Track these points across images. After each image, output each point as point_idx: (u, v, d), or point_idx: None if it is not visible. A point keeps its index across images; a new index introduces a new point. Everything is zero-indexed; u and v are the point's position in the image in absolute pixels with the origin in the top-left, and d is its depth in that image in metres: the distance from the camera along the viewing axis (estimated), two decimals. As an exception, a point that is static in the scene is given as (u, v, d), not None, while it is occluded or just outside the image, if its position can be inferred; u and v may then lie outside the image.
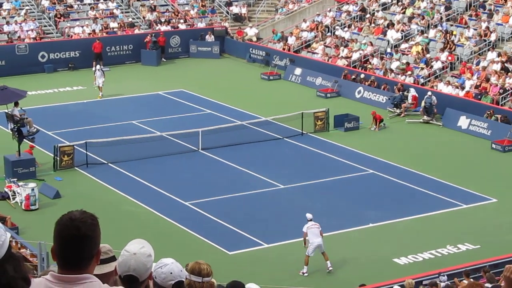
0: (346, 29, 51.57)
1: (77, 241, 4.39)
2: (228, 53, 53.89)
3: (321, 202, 30.54)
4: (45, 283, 4.43)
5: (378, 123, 39.11)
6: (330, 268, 25.31)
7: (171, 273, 5.74)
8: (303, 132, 38.07)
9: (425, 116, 40.24)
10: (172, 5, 56.47)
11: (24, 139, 32.86)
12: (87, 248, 4.43)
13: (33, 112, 37.43)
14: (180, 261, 5.97)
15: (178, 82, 47.09)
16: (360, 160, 34.90)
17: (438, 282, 21.99)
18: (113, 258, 5.24)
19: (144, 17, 55.17)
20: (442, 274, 22.98)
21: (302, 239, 25.39)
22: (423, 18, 48.90)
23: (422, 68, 44.74)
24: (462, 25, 47.55)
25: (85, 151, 33.82)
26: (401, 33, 48.55)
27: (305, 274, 25.09)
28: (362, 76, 44.96)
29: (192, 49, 53.31)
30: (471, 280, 21.65)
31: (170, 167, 33.97)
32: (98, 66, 44.91)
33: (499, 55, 43.45)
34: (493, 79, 41.66)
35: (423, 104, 40.32)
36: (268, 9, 58.19)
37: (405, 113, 41.12)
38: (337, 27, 51.95)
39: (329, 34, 51.87)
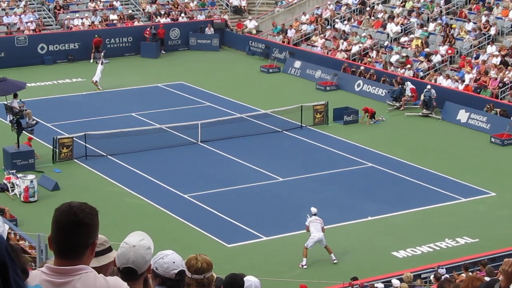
0: (345, 22, 51.54)
1: (74, 228, 4.42)
2: (228, 46, 53.86)
3: (320, 195, 30.53)
4: (41, 275, 4.44)
5: (370, 116, 39.06)
6: (335, 261, 25.42)
7: (173, 262, 5.76)
8: (302, 125, 38.06)
9: (424, 110, 40.24)
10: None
11: (23, 131, 32.85)
12: (83, 236, 4.45)
13: (32, 104, 37.43)
14: (178, 253, 5.97)
15: (178, 75, 47.07)
16: (359, 153, 34.91)
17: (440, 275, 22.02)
18: (109, 249, 5.24)
19: (143, 9, 55.13)
20: (440, 267, 23.01)
21: (305, 231, 25.46)
22: (419, 14, 48.86)
23: (422, 62, 44.74)
24: (462, 19, 47.53)
25: (84, 143, 33.81)
26: (401, 27, 48.53)
27: (305, 267, 25.14)
28: (362, 68, 44.95)
29: (191, 41, 53.27)
30: (470, 273, 21.67)
31: (169, 159, 33.96)
32: (102, 60, 44.81)
33: (500, 49, 43.39)
34: (492, 73, 41.66)
35: (422, 97, 40.31)
36: (268, 1, 58.12)
37: (405, 106, 41.12)
38: (336, 20, 51.92)
39: (328, 27, 51.85)
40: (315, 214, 25.41)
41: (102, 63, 43.84)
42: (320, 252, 25.50)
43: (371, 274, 23.82)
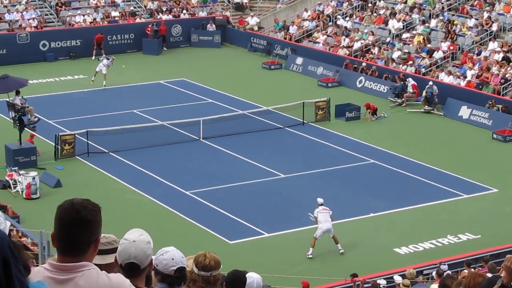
0: (347, 18, 51.51)
1: (76, 224, 4.42)
2: (229, 42, 53.84)
3: (322, 191, 30.47)
4: (44, 272, 4.45)
5: (372, 113, 39.05)
6: (342, 251, 25.55)
7: (172, 259, 5.76)
8: (304, 121, 38.05)
9: (426, 106, 40.23)
10: (173, -6, 56.39)
11: (25, 128, 32.87)
12: (86, 232, 4.45)
13: (34, 100, 37.41)
14: (181, 250, 5.97)
15: (179, 71, 47.06)
16: (361, 149, 34.90)
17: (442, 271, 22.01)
18: (117, 249, 5.25)
19: (145, 6, 55.11)
20: (443, 263, 23.00)
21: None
22: (420, 10, 48.83)
23: (424, 58, 44.71)
24: (463, 15, 47.49)
25: (86, 140, 33.83)
26: (403, 23, 48.50)
27: (310, 256, 25.22)
28: (364, 65, 44.93)
29: (193, 38, 53.25)
30: (472, 269, 21.67)
31: (171, 156, 33.97)
32: (107, 59, 44.67)
33: (502, 45, 43.33)
34: (494, 69, 41.62)
35: (424, 94, 40.31)
36: (270, -2, 58.11)
37: (407, 102, 41.12)
38: (338, 16, 51.89)
39: (330, 23, 51.81)
40: (321, 204, 25.49)
41: (108, 66, 43.63)
42: (323, 248, 25.51)
43: (373, 271, 23.81)
